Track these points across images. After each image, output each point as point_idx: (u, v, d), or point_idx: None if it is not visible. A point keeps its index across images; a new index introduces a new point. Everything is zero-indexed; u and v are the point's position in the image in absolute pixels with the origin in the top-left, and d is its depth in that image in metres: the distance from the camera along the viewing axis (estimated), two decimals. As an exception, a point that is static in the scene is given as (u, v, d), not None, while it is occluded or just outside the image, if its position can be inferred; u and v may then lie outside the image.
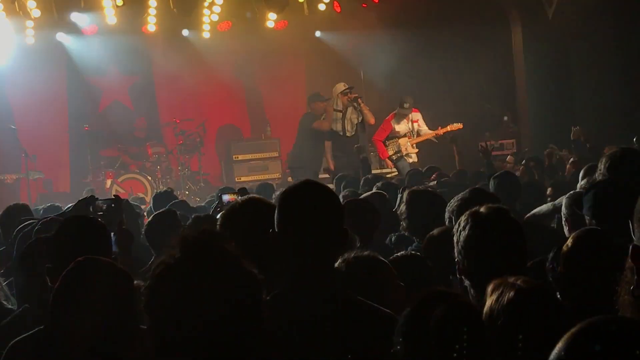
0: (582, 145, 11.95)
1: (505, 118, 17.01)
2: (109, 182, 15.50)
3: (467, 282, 3.44)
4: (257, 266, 2.48)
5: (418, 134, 14.97)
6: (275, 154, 17.00)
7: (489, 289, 2.85)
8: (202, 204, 9.86)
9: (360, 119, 14.72)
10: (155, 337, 2.35)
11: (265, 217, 3.48)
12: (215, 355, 2.30)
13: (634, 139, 9.57)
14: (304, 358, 2.89)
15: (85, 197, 5.89)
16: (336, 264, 3.38)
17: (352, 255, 3.70)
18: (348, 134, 14.82)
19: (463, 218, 3.50)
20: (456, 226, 3.56)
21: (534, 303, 2.80)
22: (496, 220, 3.47)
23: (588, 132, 12.46)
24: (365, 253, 3.80)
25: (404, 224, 5.73)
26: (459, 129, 14.84)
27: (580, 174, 6.60)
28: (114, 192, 15.02)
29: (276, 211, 3.06)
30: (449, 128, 14.83)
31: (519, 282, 2.83)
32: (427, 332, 2.56)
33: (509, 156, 15.26)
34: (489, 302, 2.80)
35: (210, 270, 2.30)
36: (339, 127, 14.83)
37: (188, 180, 16.23)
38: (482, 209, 3.51)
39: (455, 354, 2.52)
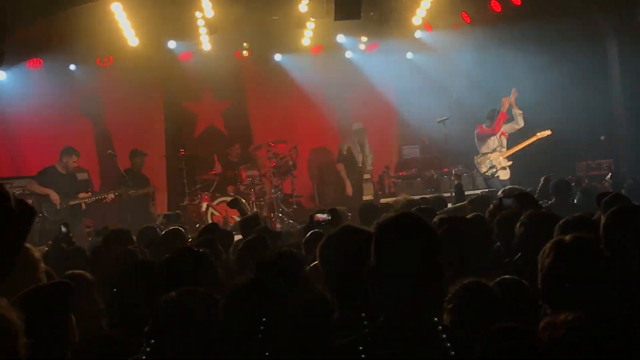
0: None
1: (602, 137, 16.64)
2: (204, 205, 15.76)
3: (548, 309, 3.44)
4: (355, 293, 2.50)
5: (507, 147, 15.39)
6: (368, 176, 16.97)
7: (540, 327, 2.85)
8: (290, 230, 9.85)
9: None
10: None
11: (361, 247, 3.50)
12: None
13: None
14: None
15: None
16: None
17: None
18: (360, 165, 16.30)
19: (548, 245, 3.51)
20: (540, 253, 3.56)
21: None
22: (578, 250, 3.46)
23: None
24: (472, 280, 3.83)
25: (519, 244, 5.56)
26: (548, 135, 15.00)
27: None
28: (209, 215, 15.31)
29: (373, 243, 3.07)
30: (538, 136, 15.02)
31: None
32: None
33: (609, 174, 15.05)
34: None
35: (279, 290, 2.36)
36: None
37: (281, 203, 16.37)
38: (566, 238, 3.54)
39: None
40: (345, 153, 16.67)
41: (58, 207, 13.50)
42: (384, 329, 2.98)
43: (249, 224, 8.35)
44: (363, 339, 2.96)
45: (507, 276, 4.36)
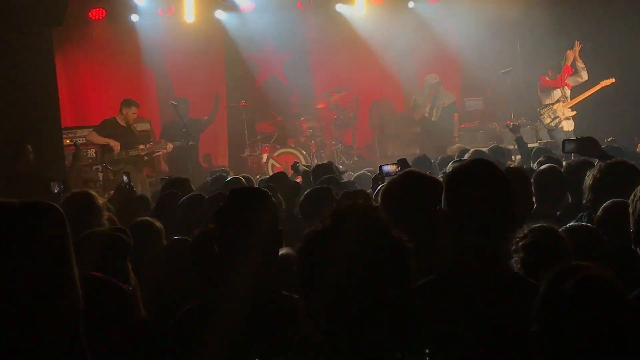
0: None
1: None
2: (265, 156, 15.78)
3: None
4: (414, 240, 2.49)
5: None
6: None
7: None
8: (351, 180, 9.73)
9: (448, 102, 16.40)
10: (306, 297, 2.45)
11: (425, 192, 3.48)
12: (361, 318, 2.36)
13: None
14: (468, 334, 2.85)
15: None
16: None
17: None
18: (434, 119, 16.28)
19: (639, 188, 3.39)
20: (632, 196, 3.45)
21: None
22: None
23: None
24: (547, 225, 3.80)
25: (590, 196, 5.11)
26: (612, 83, 14.62)
27: None
28: (269, 167, 15.33)
29: (444, 189, 3.01)
30: (602, 84, 14.66)
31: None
32: (560, 308, 2.50)
33: None
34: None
35: (358, 236, 2.36)
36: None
37: (342, 155, 16.32)
38: None
39: (590, 329, 2.45)
40: (411, 104, 16.62)
41: (116, 156, 13.59)
42: (455, 275, 2.94)
43: (320, 171, 8.21)
44: (434, 283, 2.96)
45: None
